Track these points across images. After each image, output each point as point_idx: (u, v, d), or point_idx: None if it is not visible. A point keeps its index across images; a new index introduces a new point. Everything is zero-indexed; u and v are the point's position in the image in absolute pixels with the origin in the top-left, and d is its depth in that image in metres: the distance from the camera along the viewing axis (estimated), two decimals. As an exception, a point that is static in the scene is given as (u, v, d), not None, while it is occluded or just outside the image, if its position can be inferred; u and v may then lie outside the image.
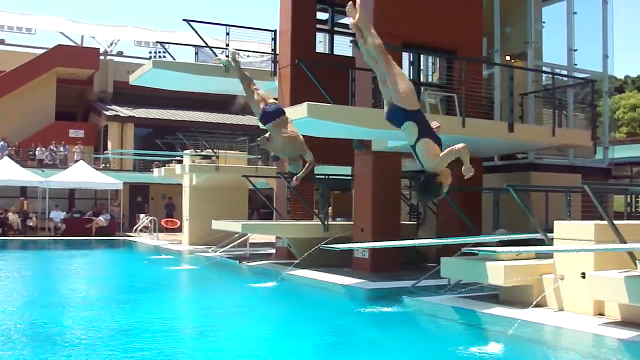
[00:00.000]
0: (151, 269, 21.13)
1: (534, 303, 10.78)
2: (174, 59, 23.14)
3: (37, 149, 36.24)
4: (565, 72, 21.53)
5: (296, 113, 13.66)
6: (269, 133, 9.16)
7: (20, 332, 10.34)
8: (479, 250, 11.74)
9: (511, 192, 12.16)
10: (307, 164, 9.26)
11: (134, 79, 23.08)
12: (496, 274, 11.06)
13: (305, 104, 13.88)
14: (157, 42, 31.00)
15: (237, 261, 20.33)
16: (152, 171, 33.54)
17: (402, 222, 18.65)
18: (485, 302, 11.71)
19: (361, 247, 16.31)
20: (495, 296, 12.05)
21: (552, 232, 11.51)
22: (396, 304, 12.47)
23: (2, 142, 35.56)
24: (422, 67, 18.76)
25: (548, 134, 17.16)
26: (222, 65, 16.57)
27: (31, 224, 30.94)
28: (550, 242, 11.66)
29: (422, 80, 18.63)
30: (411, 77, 15.99)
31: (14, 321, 11.20)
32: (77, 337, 9.95)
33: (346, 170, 21.10)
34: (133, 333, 10.28)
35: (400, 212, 18.03)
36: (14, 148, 35.87)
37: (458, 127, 15.24)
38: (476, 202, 17.51)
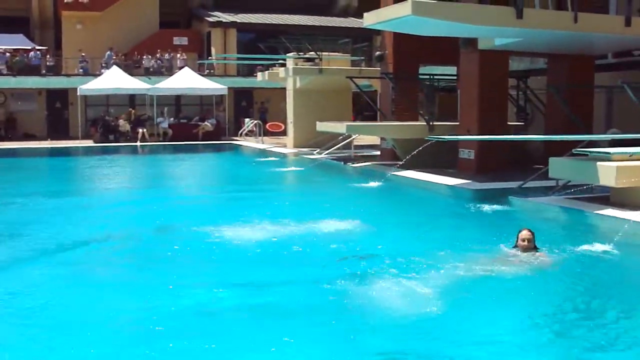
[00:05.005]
0: (260, 170, 21.63)
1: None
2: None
3: (144, 57, 37.06)
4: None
5: (400, 11, 13.39)
6: None
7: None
8: (589, 151, 11.41)
9: (626, 89, 11.69)
10: None
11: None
12: (608, 174, 10.72)
13: (409, 0, 13.41)
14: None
15: (342, 162, 20.54)
16: (256, 75, 33.84)
17: (509, 123, 18.25)
18: (595, 204, 11.47)
19: (467, 139, 16.19)
20: (606, 198, 11.75)
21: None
22: (503, 204, 12.35)
23: (108, 52, 36.52)
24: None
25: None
26: None
27: (143, 130, 31.82)
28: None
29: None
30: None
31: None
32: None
33: (451, 70, 20.65)
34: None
35: (507, 112, 17.64)
36: (122, 57, 36.74)
37: (570, 22, 14.57)
38: (587, 101, 16.84)
